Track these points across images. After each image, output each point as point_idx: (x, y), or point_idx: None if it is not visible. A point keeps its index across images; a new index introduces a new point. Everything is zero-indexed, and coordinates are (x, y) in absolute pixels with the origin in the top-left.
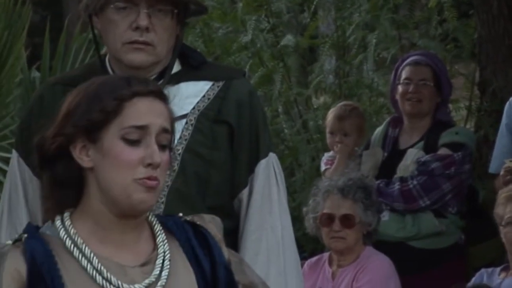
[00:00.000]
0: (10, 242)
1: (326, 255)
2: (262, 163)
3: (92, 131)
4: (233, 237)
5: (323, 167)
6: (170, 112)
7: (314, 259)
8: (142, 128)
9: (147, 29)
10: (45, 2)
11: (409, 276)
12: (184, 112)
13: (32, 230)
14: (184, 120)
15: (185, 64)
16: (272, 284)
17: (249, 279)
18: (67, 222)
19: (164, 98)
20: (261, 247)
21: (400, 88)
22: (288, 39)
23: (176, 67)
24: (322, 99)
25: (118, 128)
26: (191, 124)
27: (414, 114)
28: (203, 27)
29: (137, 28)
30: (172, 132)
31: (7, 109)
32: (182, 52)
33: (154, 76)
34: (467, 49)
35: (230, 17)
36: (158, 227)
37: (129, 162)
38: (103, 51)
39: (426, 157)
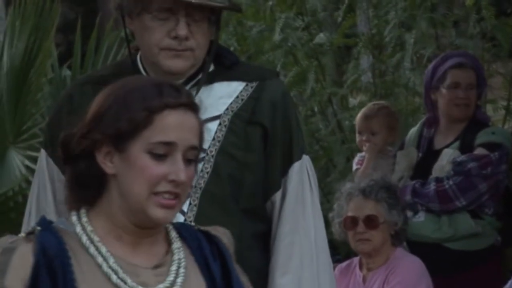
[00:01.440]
0: (23, 234)
1: (356, 259)
2: (296, 165)
3: (119, 140)
4: (266, 240)
5: (354, 167)
6: (200, 125)
7: (344, 264)
8: (170, 144)
9: (186, 38)
10: None
11: (445, 277)
12: (218, 113)
13: (46, 223)
14: (217, 121)
15: (218, 63)
16: None
17: None
18: (84, 219)
19: (195, 109)
20: (294, 251)
21: (445, 92)
22: (322, 37)
23: (210, 67)
24: (359, 98)
25: (145, 141)
26: (225, 125)
27: (461, 118)
28: (237, 26)
29: (175, 37)
30: (200, 148)
31: (37, 107)
32: (215, 51)
33: (187, 77)
34: (506, 48)
35: (263, 16)
36: (173, 234)
37: (152, 177)
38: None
39: (462, 157)
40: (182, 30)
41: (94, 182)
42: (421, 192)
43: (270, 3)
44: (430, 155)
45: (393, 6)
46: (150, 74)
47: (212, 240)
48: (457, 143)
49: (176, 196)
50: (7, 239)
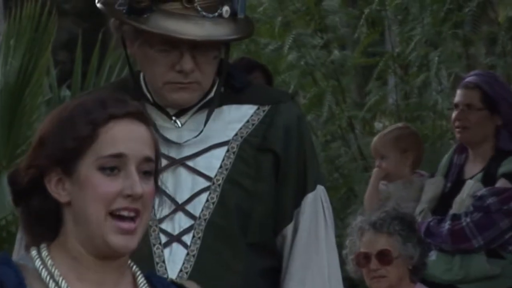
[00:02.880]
0: None
1: None
2: (309, 196)
3: (67, 161)
4: (275, 277)
5: None
6: (152, 135)
7: None
8: (120, 156)
9: (191, 71)
10: (87, 13)
11: None
12: (226, 139)
13: (4, 257)
14: (225, 148)
15: (227, 85)
16: None
17: None
18: (44, 253)
19: (144, 120)
20: None
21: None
22: (337, 55)
23: (216, 88)
24: (385, 122)
25: (94, 157)
26: (233, 152)
27: (465, 142)
28: (249, 43)
29: (180, 71)
30: (156, 159)
31: (32, 129)
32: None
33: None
34: None
35: (278, 32)
36: (141, 279)
37: (106, 194)
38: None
39: (483, 191)
40: (187, 65)
41: (51, 216)
42: (434, 232)
43: (280, 18)
44: (457, 185)
45: (419, 23)
46: (153, 93)
47: None
48: (481, 174)
49: (136, 214)
50: None
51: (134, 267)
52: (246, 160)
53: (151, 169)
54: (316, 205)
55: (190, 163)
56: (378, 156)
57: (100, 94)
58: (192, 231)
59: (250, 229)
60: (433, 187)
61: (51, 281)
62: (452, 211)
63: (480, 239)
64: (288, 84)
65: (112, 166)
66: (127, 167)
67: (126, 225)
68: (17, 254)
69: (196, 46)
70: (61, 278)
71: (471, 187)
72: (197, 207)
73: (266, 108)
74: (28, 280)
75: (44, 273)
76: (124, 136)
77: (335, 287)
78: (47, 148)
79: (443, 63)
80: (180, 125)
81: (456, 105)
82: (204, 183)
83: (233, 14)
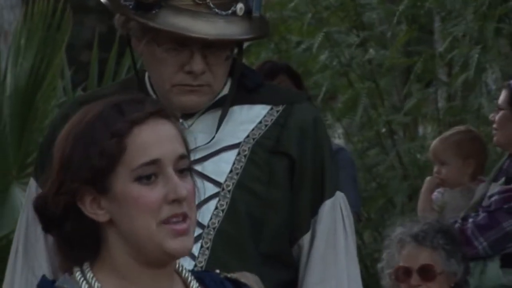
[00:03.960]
0: None
1: None
2: (327, 203)
3: (99, 180)
4: None
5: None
6: (179, 130)
7: None
8: (154, 163)
9: (202, 72)
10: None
11: None
12: (237, 141)
13: (47, 285)
14: (236, 150)
15: (239, 85)
16: None
17: None
18: (89, 274)
19: (167, 116)
20: None
21: None
22: (371, 54)
23: (229, 88)
24: (429, 128)
25: (127, 170)
26: (244, 155)
27: (498, 145)
28: (279, 42)
29: (190, 72)
30: (188, 152)
31: (43, 135)
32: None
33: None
34: None
35: (308, 30)
36: (194, 283)
37: (151, 204)
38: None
39: (493, 191)
40: (198, 65)
41: (89, 237)
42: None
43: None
44: None
45: (463, 19)
46: (158, 93)
47: None
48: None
49: (184, 217)
50: None
51: (184, 270)
52: (258, 164)
53: (187, 165)
54: (334, 213)
55: (197, 167)
56: (438, 162)
57: (114, 98)
58: (200, 241)
59: (263, 239)
60: (479, 192)
61: None
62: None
63: (482, 240)
64: (320, 86)
65: (148, 174)
66: (164, 171)
67: (179, 227)
68: (12, 266)
69: (207, 46)
70: None
71: (493, 188)
72: (205, 215)
73: (280, 108)
74: None
75: None
76: (153, 140)
77: None
78: (74, 171)
79: (488, 62)
80: (187, 127)
81: (499, 108)
82: (213, 189)
83: (248, 12)
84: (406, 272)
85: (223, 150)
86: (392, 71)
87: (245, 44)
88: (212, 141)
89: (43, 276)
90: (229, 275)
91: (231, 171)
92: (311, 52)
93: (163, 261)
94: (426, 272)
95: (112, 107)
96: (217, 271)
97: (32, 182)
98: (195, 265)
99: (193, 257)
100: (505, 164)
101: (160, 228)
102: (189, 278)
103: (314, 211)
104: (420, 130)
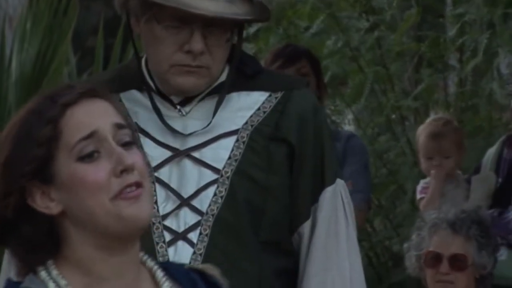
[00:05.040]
0: None
1: None
2: (328, 191)
3: (42, 170)
4: (291, 279)
5: (418, 196)
6: (115, 106)
7: None
8: (92, 136)
9: (201, 53)
10: None
11: None
12: (235, 128)
13: (10, 285)
14: (234, 137)
15: (238, 71)
16: None
17: None
18: (54, 272)
19: (101, 95)
20: None
21: None
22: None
23: (227, 75)
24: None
25: (67, 151)
26: (243, 142)
27: None
28: (288, 27)
29: (189, 52)
30: (130, 126)
31: None
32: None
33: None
34: None
35: (320, 15)
36: (159, 273)
37: (99, 181)
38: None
39: None
40: (197, 44)
41: (47, 236)
42: (499, 223)
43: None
44: (511, 180)
45: (474, 4)
46: (156, 79)
47: (210, 281)
48: None
49: (138, 185)
50: None
51: (148, 261)
52: (257, 150)
53: (130, 138)
54: (335, 201)
55: (196, 154)
56: (440, 155)
57: (46, 91)
58: (199, 228)
59: (262, 226)
60: (484, 184)
61: None
62: None
63: None
64: (330, 71)
65: (90, 152)
66: (105, 144)
67: (131, 193)
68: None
69: (208, 25)
70: None
71: None
72: (204, 201)
73: (279, 94)
74: None
75: None
76: (86, 117)
77: None
78: (16, 169)
79: (499, 47)
80: (185, 113)
81: None
82: (211, 176)
83: None
84: (436, 258)
85: (221, 137)
86: (403, 56)
87: (253, 29)
88: (210, 128)
89: (8, 279)
90: (194, 267)
91: (229, 157)
92: (320, 37)
93: (124, 233)
94: (457, 262)
95: (43, 99)
96: (181, 263)
97: None
98: (194, 252)
99: (192, 244)
100: (504, 153)
101: (114, 202)
102: (154, 268)
103: (314, 198)
104: (432, 116)
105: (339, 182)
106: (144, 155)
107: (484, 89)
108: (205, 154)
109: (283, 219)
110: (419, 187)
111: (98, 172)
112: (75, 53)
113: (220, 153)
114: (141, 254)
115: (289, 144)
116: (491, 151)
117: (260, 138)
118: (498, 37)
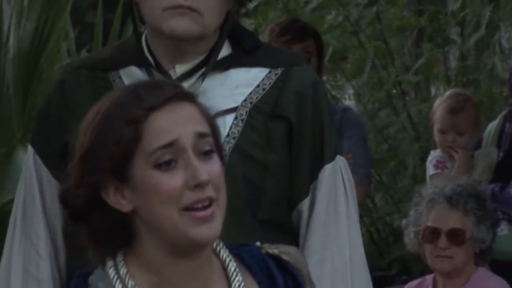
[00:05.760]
0: None
1: (429, 278)
2: (328, 168)
3: (119, 169)
4: None
5: (431, 171)
6: (200, 109)
7: (414, 283)
8: (172, 145)
9: None
10: None
11: None
12: (234, 105)
13: (82, 284)
14: (233, 115)
15: (236, 47)
16: None
17: None
18: (122, 270)
19: (186, 97)
20: (325, 270)
21: None
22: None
23: (226, 50)
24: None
25: (145, 156)
26: (242, 120)
27: None
28: (288, 1)
29: None
30: (214, 132)
31: None
32: (234, 33)
33: (199, 61)
34: None
35: None
36: (232, 265)
37: (171, 192)
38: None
39: None
40: None
41: (119, 229)
42: (500, 198)
43: None
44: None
45: None
46: (156, 54)
47: (286, 268)
48: None
49: (210, 201)
50: None
51: (222, 251)
52: (256, 128)
53: (211, 146)
54: (335, 178)
55: None
56: (455, 131)
57: (132, 84)
58: None
59: (261, 204)
60: (485, 158)
61: None
62: None
63: None
64: (330, 46)
65: (168, 160)
66: (184, 155)
67: (202, 213)
68: (10, 237)
69: None
70: None
71: None
72: None
73: (279, 71)
74: None
75: None
76: (169, 123)
77: (357, 267)
78: (93, 162)
79: (501, 21)
80: None
81: None
82: None
83: None
84: (434, 233)
85: (220, 114)
86: (403, 31)
87: (253, 5)
88: (209, 105)
89: (79, 275)
90: (270, 251)
91: (228, 135)
92: (320, 12)
93: (191, 250)
94: (455, 236)
95: (130, 94)
96: (258, 243)
97: (30, 149)
98: None
99: None
100: (506, 127)
101: (182, 215)
102: (227, 260)
103: (313, 175)
104: (433, 91)
105: (339, 158)
106: (223, 162)
107: (485, 64)
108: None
109: (281, 197)
110: (431, 161)
111: (172, 181)
112: (74, 28)
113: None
114: (215, 243)
115: (287, 121)
116: (493, 126)
117: (259, 115)
118: (501, 10)
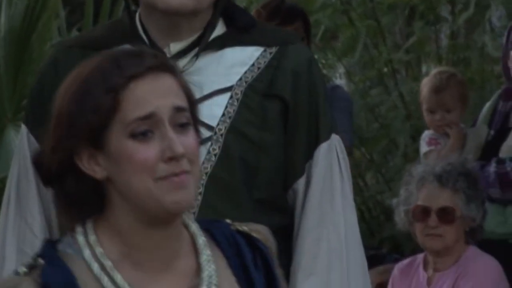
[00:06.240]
0: (24, 269)
1: (420, 257)
2: (323, 146)
3: (95, 136)
4: (286, 237)
5: (425, 148)
6: (179, 82)
7: (405, 261)
8: (149, 118)
9: None
10: None
11: None
12: (229, 84)
13: (50, 252)
14: (228, 94)
15: (230, 25)
16: None
17: None
18: (92, 237)
19: (167, 69)
20: (321, 248)
21: None
22: None
23: (220, 29)
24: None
25: (121, 125)
26: (237, 99)
27: None
28: None
29: None
30: (191, 105)
31: None
32: (228, 12)
33: (193, 39)
34: None
35: None
36: (201, 240)
37: (145, 162)
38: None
39: None
40: None
41: (91, 195)
42: (480, 176)
43: None
44: (503, 133)
45: None
46: (150, 32)
47: (254, 245)
48: None
49: (183, 173)
50: (7, 281)
51: (190, 223)
52: (251, 107)
53: (188, 119)
54: (330, 157)
55: None
56: (442, 109)
57: (112, 52)
58: None
59: (256, 184)
60: (475, 136)
61: (104, 276)
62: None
63: None
64: (321, 25)
65: (144, 130)
66: (160, 127)
67: (177, 179)
68: (4, 216)
69: None
70: (115, 272)
71: None
72: None
73: (274, 50)
74: (80, 280)
75: (95, 267)
76: (148, 94)
77: (352, 246)
78: (69, 128)
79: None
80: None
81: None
82: (205, 133)
83: None
84: (424, 212)
85: (215, 94)
86: (394, 9)
87: None
88: (204, 85)
89: (46, 241)
90: (240, 228)
91: (223, 114)
92: None
93: (164, 218)
94: (445, 214)
95: (110, 61)
96: (228, 221)
97: (24, 128)
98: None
99: None
100: (499, 106)
101: (157, 183)
102: (197, 234)
103: (309, 154)
104: (424, 69)
105: (334, 137)
106: (199, 135)
107: (476, 42)
108: (200, 111)
109: (277, 177)
110: (424, 138)
111: (147, 152)
112: (65, 7)
113: (214, 110)
114: (184, 216)
115: (283, 100)
116: (488, 104)
117: (254, 94)
118: None
